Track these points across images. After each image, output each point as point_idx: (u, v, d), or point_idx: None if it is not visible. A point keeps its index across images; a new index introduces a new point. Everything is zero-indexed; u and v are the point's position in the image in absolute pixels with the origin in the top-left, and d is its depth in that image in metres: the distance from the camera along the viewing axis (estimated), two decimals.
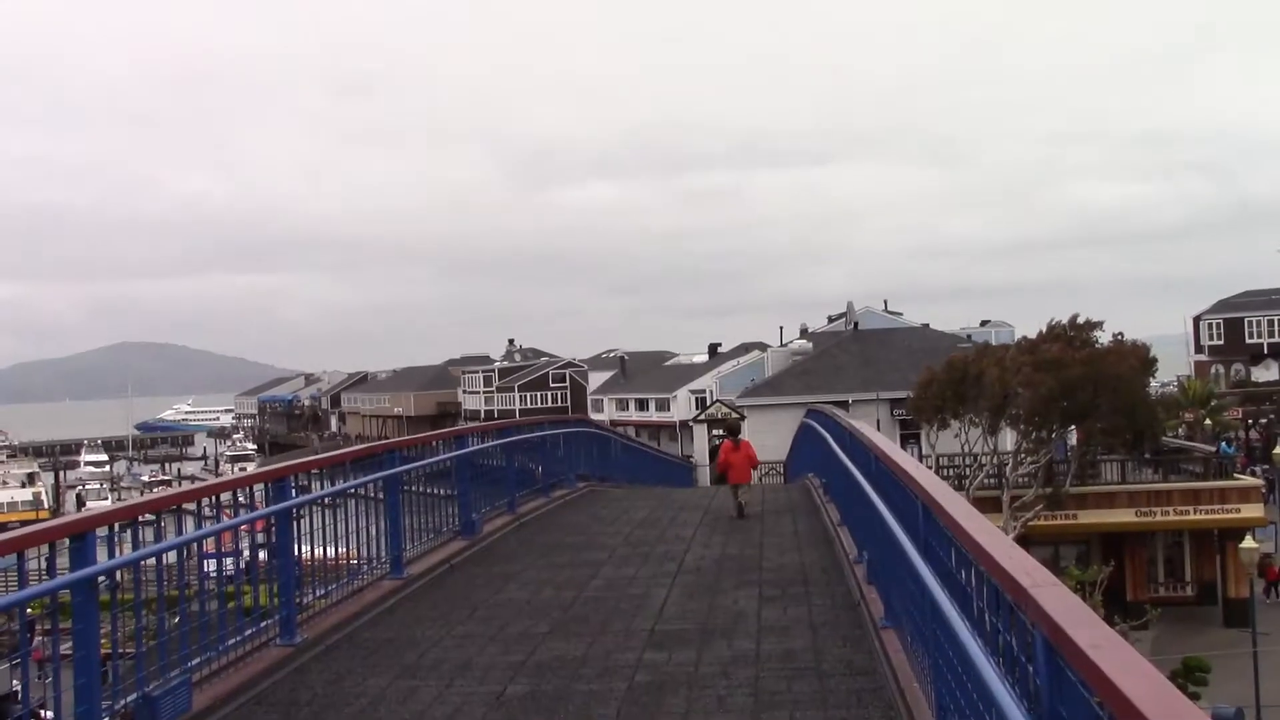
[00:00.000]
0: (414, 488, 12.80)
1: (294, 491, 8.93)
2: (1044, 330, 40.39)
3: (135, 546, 7.00)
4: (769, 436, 39.82)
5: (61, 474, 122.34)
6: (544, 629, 9.42)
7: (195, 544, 7.76)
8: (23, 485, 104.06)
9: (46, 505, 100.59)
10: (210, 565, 8.21)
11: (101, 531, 6.62)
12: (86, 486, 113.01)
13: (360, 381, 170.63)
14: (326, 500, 10.18)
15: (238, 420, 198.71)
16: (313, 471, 10.44)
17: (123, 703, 6.54)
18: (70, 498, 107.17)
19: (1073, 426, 39.55)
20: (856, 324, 63.70)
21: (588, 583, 11.41)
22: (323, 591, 9.64)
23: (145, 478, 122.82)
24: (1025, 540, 39.22)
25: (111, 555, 6.73)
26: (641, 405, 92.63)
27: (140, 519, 7.19)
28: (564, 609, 10.19)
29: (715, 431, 60.64)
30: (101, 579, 6.36)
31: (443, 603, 10.59)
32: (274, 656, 8.33)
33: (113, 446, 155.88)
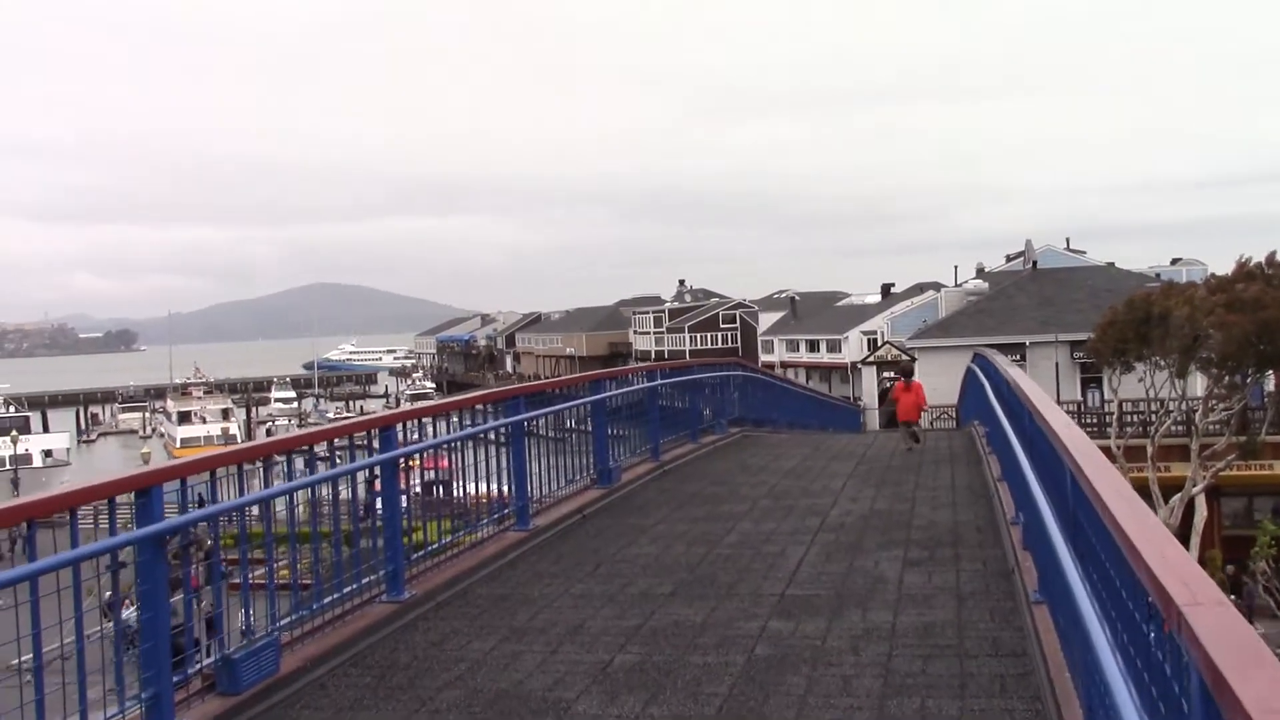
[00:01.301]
0: (549, 433, 12.37)
1: (398, 440, 8.48)
2: (1237, 268, 37.59)
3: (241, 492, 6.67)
4: (941, 379, 38.30)
5: (253, 410, 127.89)
6: (667, 589, 8.82)
7: (289, 495, 7.36)
8: (218, 420, 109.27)
9: (240, 440, 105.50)
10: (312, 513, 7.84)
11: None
12: (276, 423, 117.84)
13: (534, 322, 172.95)
14: (446, 447, 9.77)
15: (415, 358, 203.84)
16: (437, 416, 10.01)
17: (198, 666, 6.20)
18: (261, 433, 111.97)
19: (1270, 371, 36.83)
20: (1035, 263, 60.93)
21: (722, 538, 10.75)
22: (435, 545, 9.24)
23: (331, 414, 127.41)
24: (1216, 491, 36.94)
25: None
26: (812, 346, 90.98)
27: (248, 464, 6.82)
28: (691, 567, 9.56)
29: (886, 374, 59.14)
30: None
31: (566, 557, 10.09)
32: (378, 614, 7.93)
33: (300, 384, 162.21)
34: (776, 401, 26.62)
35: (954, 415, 35.71)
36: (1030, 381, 9.38)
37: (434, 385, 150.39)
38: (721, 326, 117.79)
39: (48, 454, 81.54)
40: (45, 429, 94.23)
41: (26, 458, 77.31)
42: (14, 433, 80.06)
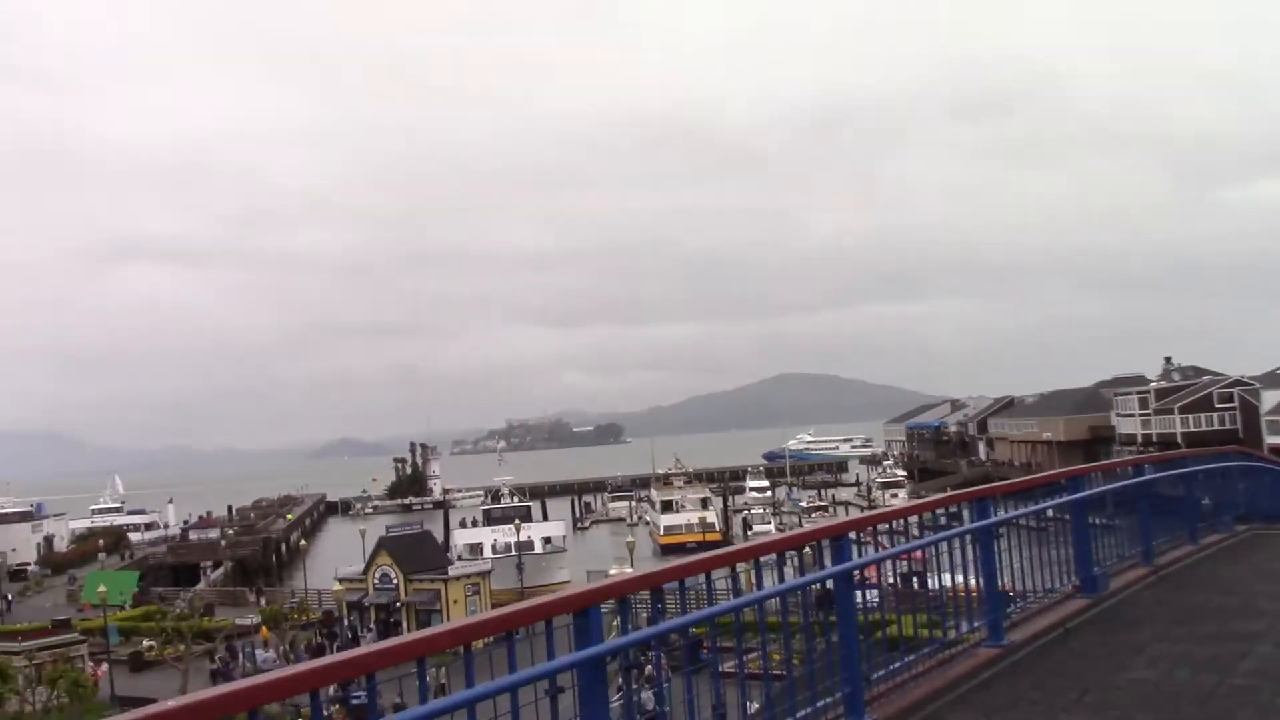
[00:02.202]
0: (1028, 525, 11.34)
1: (852, 548, 7.93)
2: None
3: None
4: None
5: (729, 499, 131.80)
6: None
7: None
8: (697, 509, 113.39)
9: (718, 528, 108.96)
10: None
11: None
12: (751, 511, 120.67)
13: (1007, 406, 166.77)
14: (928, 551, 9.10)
15: (871, 444, 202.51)
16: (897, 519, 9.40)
17: None
18: (737, 521, 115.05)
19: None
20: None
21: (1236, 664, 9.24)
22: (905, 660, 8.54)
23: (804, 503, 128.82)
24: None
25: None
26: None
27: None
28: (1200, 701, 8.22)
29: None
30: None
31: (1047, 680, 9.03)
32: None
33: (774, 473, 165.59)
34: None
35: None
36: None
37: (905, 473, 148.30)
38: (1217, 406, 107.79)
39: (547, 540, 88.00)
40: (545, 517, 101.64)
41: (529, 544, 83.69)
42: (518, 521, 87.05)
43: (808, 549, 8.04)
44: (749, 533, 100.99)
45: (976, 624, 9.75)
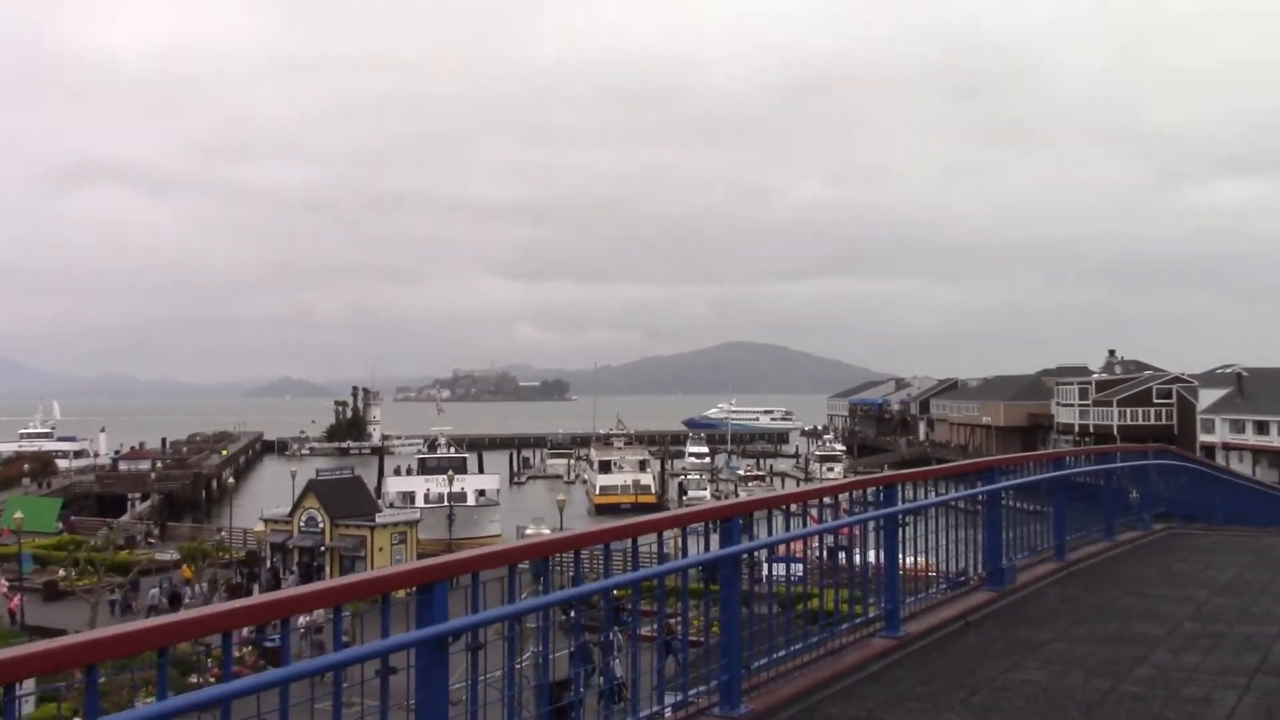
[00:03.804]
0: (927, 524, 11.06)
1: (740, 532, 7.56)
2: None
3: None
4: None
5: (668, 463, 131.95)
6: None
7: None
8: (635, 471, 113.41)
9: (653, 491, 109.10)
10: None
11: None
12: (688, 476, 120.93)
13: (950, 388, 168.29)
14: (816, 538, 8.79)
15: (801, 422, 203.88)
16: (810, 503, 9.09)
17: None
18: (673, 486, 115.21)
19: None
20: None
21: (1130, 670, 9.00)
22: (791, 650, 8.22)
23: (742, 471, 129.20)
24: None
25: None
26: (1261, 428, 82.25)
27: None
28: (1088, 707, 7.97)
29: None
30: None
31: (937, 676, 8.74)
32: None
33: (715, 440, 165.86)
34: (1212, 494, 23.54)
35: None
36: None
37: (844, 448, 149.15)
38: (1155, 402, 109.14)
39: (481, 493, 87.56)
40: (481, 470, 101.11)
41: (461, 496, 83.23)
42: (451, 472, 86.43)
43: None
44: (684, 498, 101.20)
45: (873, 613, 9.45)
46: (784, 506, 8.65)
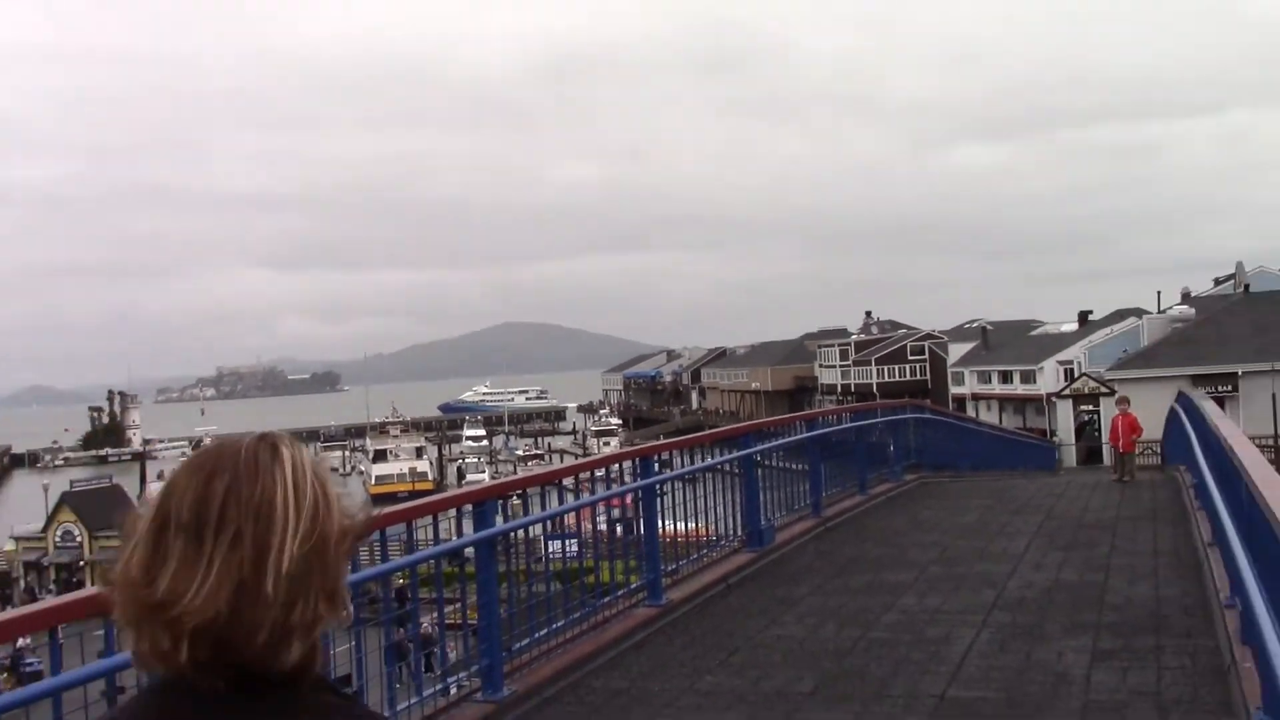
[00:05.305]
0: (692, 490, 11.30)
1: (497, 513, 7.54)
2: None
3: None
4: (1144, 413, 35.42)
5: (447, 447, 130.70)
6: (807, 686, 7.61)
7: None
8: (411, 459, 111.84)
9: (431, 477, 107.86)
10: None
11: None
12: (466, 460, 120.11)
13: (719, 357, 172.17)
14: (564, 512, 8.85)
15: (552, 398, 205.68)
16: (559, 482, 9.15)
17: None
18: (452, 470, 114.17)
19: None
20: (1248, 286, 56.80)
21: (880, 617, 9.45)
22: (552, 628, 8.25)
23: (520, 451, 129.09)
24: None
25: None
26: (1004, 378, 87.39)
27: None
28: (840, 655, 8.32)
29: (1083, 406, 55.96)
30: None
31: (699, 640, 8.96)
32: (469, 717, 6.98)
33: (494, 422, 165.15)
34: (959, 443, 24.92)
35: (1159, 452, 33.11)
36: (1249, 448, 7.85)
37: (620, 421, 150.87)
38: (910, 358, 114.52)
39: None
40: None
41: None
42: None
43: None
44: (463, 481, 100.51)
45: (635, 583, 9.60)
46: (540, 486, 8.70)
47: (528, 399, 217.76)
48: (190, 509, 1.44)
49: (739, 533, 12.00)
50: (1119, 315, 78.40)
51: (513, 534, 8.14)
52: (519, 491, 8.82)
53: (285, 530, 1.42)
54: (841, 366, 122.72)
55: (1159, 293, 74.42)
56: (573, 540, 10.14)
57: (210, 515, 1.43)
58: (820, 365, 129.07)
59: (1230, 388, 45.76)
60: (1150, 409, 34.01)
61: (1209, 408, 12.57)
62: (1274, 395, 44.23)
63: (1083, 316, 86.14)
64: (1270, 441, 40.14)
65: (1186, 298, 67.38)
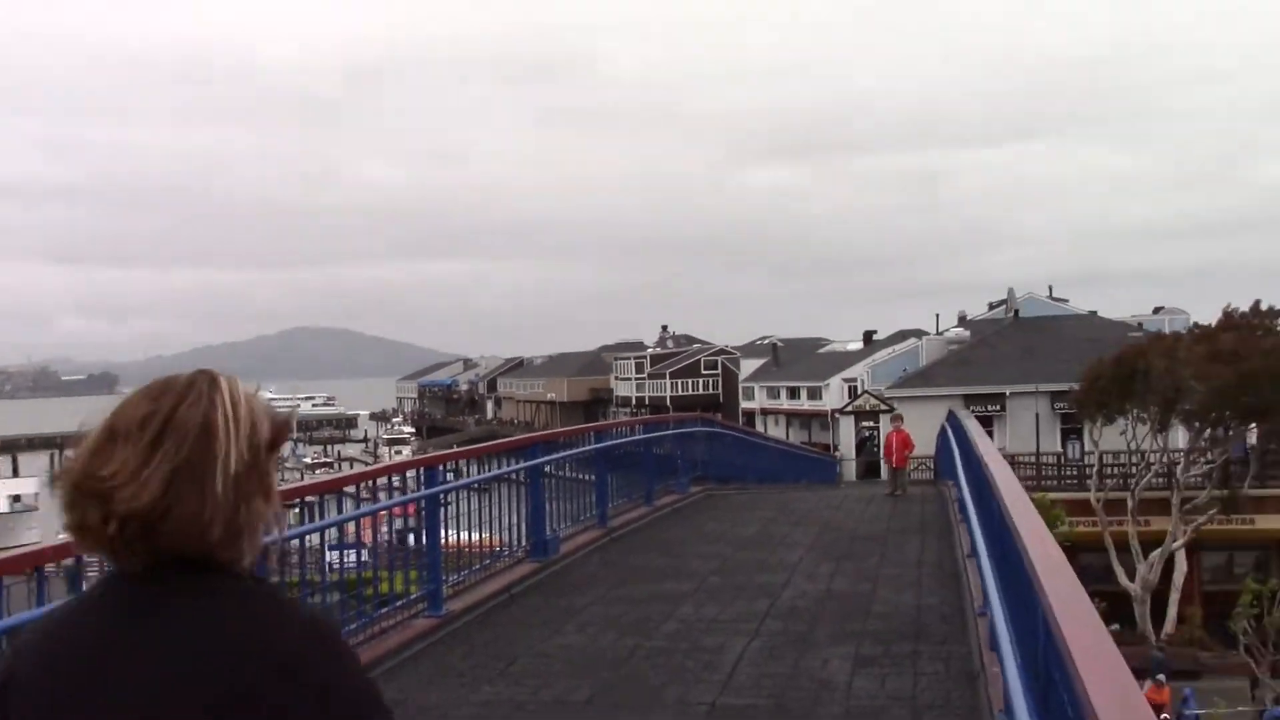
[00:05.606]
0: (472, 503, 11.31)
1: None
2: (1223, 318, 36.89)
3: None
4: (920, 429, 37.22)
5: None
6: (583, 695, 7.71)
7: None
8: None
9: None
10: None
11: None
12: None
13: (516, 367, 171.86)
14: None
15: (339, 405, 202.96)
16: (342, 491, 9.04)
17: None
18: None
19: (1253, 424, 35.96)
20: (1017, 311, 60.16)
21: (659, 626, 9.64)
22: None
23: (308, 459, 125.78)
24: (1197, 546, 35.84)
25: None
26: (793, 394, 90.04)
27: None
28: (618, 664, 8.46)
29: (864, 423, 58.19)
30: None
31: (479, 650, 8.96)
32: None
33: None
34: (747, 456, 25.60)
35: (932, 467, 34.77)
36: (988, 445, 8.37)
37: (413, 430, 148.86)
38: (703, 373, 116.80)
39: (16, 499, 79.80)
40: (15, 473, 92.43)
41: None
42: None
43: None
44: None
45: (415, 594, 9.52)
46: (319, 495, 8.57)
47: (314, 405, 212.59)
48: (138, 423, 1.66)
49: (524, 543, 12.04)
50: (901, 336, 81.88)
51: (289, 544, 7.99)
52: (297, 500, 8.65)
53: (229, 439, 1.65)
54: (637, 379, 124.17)
55: (937, 315, 78.03)
56: (353, 550, 10.02)
57: (154, 426, 1.64)
58: (616, 377, 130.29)
59: (999, 407, 48.41)
60: (925, 426, 35.71)
61: (972, 426, 13.29)
62: (1037, 415, 46.96)
63: (867, 336, 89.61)
64: (1032, 458, 42.60)
65: (962, 321, 70.89)
